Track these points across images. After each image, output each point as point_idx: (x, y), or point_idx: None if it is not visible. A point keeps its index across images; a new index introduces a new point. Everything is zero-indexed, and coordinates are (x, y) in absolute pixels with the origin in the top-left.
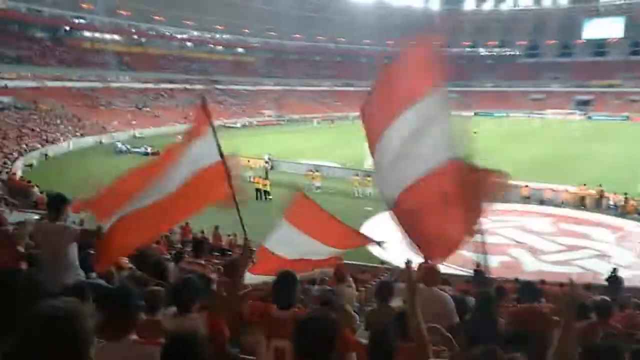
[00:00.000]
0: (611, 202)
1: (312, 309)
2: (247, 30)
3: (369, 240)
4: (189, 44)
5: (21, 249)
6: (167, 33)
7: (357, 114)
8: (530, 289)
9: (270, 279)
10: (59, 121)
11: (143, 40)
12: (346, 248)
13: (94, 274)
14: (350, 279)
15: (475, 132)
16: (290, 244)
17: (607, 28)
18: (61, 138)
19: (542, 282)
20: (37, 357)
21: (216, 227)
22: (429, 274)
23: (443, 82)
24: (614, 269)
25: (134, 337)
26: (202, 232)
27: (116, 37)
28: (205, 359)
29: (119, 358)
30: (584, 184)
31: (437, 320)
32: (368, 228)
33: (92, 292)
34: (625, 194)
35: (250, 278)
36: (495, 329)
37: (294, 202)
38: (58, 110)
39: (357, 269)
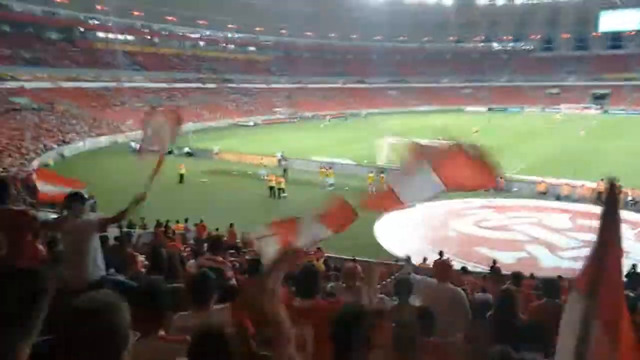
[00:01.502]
0: (629, 198)
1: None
2: (259, 29)
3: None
4: (201, 43)
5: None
6: (180, 33)
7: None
8: (552, 286)
9: None
10: (74, 121)
11: (156, 40)
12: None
13: (112, 270)
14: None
15: (476, 131)
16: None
17: (623, 20)
18: (77, 138)
19: (559, 277)
20: (76, 351)
21: (231, 225)
22: (441, 269)
23: None
24: (634, 265)
25: (162, 333)
26: (217, 229)
27: (129, 37)
28: (233, 354)
29: (148, 355)
30: (601, 179)
31: (450, 315)
32: (381, 225)
33: (116, 289)
34: None
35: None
36: (516, 327)
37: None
38: (73, 111)
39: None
